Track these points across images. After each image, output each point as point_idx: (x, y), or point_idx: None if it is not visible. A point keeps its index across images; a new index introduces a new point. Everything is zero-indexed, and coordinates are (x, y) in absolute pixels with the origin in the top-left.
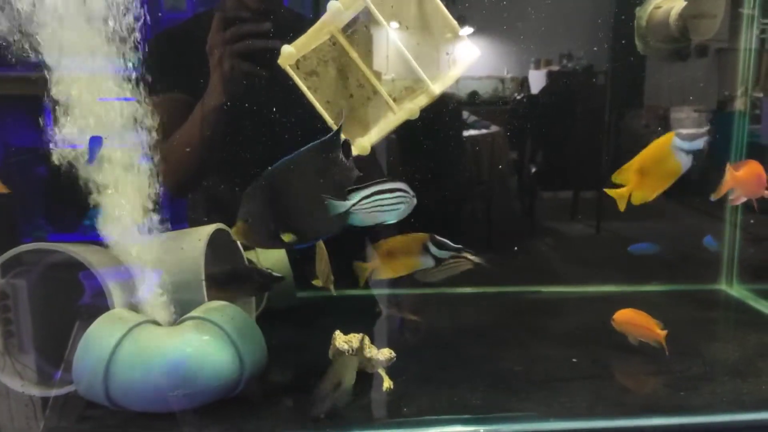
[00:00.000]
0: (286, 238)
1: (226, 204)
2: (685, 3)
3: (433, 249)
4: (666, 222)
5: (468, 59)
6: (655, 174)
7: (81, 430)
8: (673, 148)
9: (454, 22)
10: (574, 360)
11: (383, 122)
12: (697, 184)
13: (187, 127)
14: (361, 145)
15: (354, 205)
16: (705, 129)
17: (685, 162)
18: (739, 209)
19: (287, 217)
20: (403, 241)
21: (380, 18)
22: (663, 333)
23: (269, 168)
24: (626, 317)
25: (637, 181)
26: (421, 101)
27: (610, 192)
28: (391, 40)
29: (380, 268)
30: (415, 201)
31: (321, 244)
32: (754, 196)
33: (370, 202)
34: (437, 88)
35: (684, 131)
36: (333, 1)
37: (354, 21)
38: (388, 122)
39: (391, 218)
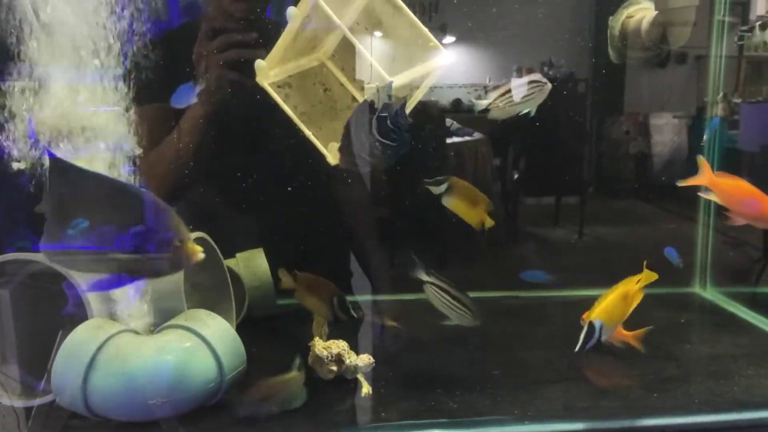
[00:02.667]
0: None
1: (209, 213)
2: (656, 12)
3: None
4: (645, 226)
5: (435, 60)
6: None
7: None
8: None
9: (429, 34)
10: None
11: None
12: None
13: (174, 135)
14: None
15: (491, 103)
16: None
17: None
18: (712, 213)
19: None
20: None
21: (340, 23)
22: (629, 333)
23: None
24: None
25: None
26: (382, 94)
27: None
28: (351, 39)
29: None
30: (549, 86)
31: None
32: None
33: (505, 99)
34: (396, 81)
35: None
36: (291, 7)
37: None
38: None
39: (529, 107)
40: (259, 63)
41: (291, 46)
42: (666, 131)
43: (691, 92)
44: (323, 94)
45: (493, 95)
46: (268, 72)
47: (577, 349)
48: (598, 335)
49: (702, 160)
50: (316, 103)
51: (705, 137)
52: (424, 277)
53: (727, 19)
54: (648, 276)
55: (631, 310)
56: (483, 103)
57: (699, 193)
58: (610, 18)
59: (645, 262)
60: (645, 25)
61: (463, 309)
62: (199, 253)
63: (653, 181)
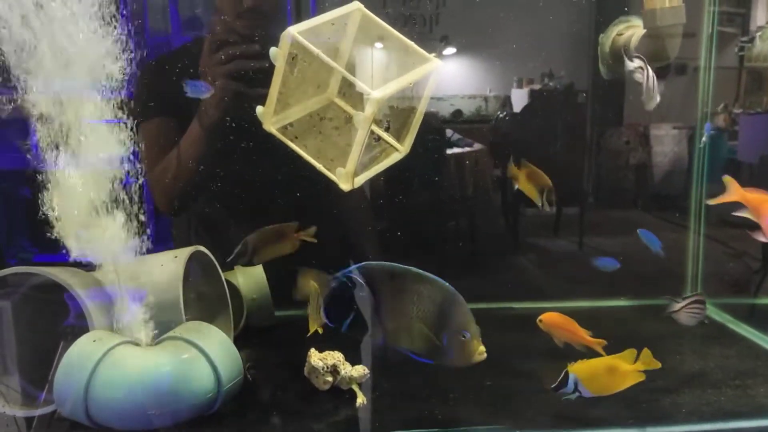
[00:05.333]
0: None
1: (212, 224)
2: (644, 30)
3: None
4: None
5: (422, 69)
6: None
7: None
8: None
9: (420, 51)
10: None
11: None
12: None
13: (180, 146)
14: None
15: None
16: None
17: None
18: (702, 223)
19: None
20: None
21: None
22: (593, 340)
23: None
24: (552, 320)
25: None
26: (367, 110)
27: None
28: (328, 62)
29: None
30: None
31: (315, 288)
32: None
33: None
34: (377, 93)
35: None
36: (272, 48)
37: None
38: (357, 143)
39: None
40: (259, 110)
41: (294, 90)
42: (666, 142)
43: (690, 103)
44: (334, 131)
45: None
46: (271, 117)
47: (551, 388)
48: (572, 389)
49: (728, 179)
50: (324, 136)
51: (704, 139)
52: None
53: (713, 32)
54: (648, 362)
55: (619, 388)
56: None
57: (733, 213)
58: (601, 35)
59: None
60: (634, 42)
61: None
62: (481, 353)
63: (653, 191)
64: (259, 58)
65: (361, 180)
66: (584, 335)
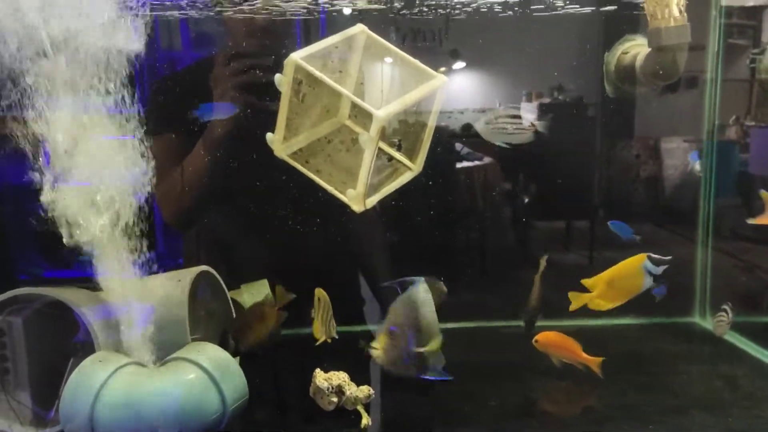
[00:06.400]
0: (434, 345)
1: (222, 239)
2: (649, 50)
3: (650, 267)
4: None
5: (428, 86)
6: (620, 288)
7: None
8: (643, 268)
9: (425, 68)
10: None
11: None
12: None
13: (191, 159)
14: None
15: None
16: (668, 258)
17: (647, 283)
18: (710, 238)
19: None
20: (622, 267)
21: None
22: (590, 358)
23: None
24: (549, 339)
25: (603, 291)
26: (372, 129)
27: (573, 296)
28: (333, 85)
29: (600, 300)
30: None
31: (322, 292)
32: None
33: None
34: (382, 112)
35: (654, 256)
36: (277, 75)
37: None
38: (365, 163)
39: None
40: (269, 136)
41: (303, 115)
42: (677, 155)
43: (701, 116)
44: (346, 154)
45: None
46: (281, 144)
47: None
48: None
49: (766, 195)
50: (334, 158)
51: (697, 167)
52: None
53: (718, 48)
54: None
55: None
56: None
57: (749, 221)
58: (606, 54)
59: None
60: (639, 61)
61: None
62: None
63: (664, 204)
64: (269, 72)
65: (373, 201)
66: (581, 353)
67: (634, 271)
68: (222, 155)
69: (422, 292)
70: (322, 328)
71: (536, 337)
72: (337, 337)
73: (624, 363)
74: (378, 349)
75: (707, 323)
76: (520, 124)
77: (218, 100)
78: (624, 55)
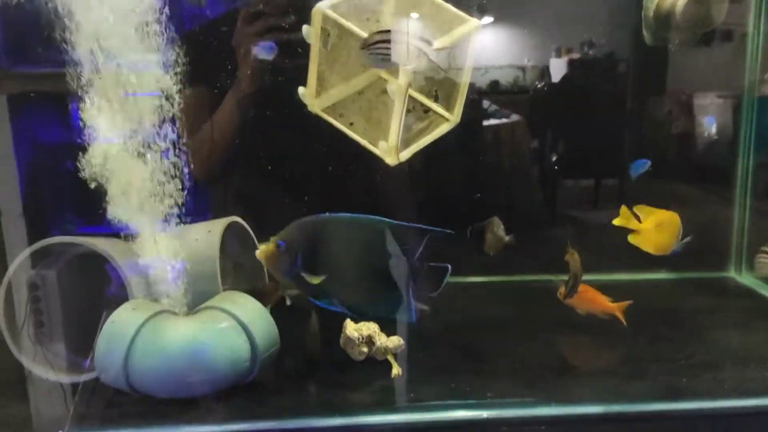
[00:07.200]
0: (314, 280)
1: (249, 196)
2: None
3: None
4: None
5: (460, 30)
6: (659, 237)
7: (107, 415)
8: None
9: (461, 13)
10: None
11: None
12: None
13: (216, 117)
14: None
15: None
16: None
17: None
18: (749, 195)
19: (325, 271)
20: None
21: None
22: (614, 306)
23: (330, 215)
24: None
25: (650, 229)
26: (401, 78)
27: (624, 213)
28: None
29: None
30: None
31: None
32: None
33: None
34: (436, 44)
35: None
36: (305, 26)
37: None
38: (396, 114)
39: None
40: (301, 90)
41: (335, 70)
42: (710, 111)
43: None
44: (382, 106)
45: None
46: (314, 98)
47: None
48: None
49: None
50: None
51: (713, 131)
52: None
53: None
54: None
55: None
56: None
57: None
58: (645, 0)
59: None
60: (680, 6)
61: None
62: None
63: (696, 162)
64: (293, 30)
65: (407, 154)
66: (606, 302)
67: (674, 229)
68: (248, 112)
69: (338, 230)
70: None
71: (561, 288)
72: None
73: (657, 317)
74: (261, 249)
75: (743, 278)
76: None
77: (242, 59)
78: (664, 2)
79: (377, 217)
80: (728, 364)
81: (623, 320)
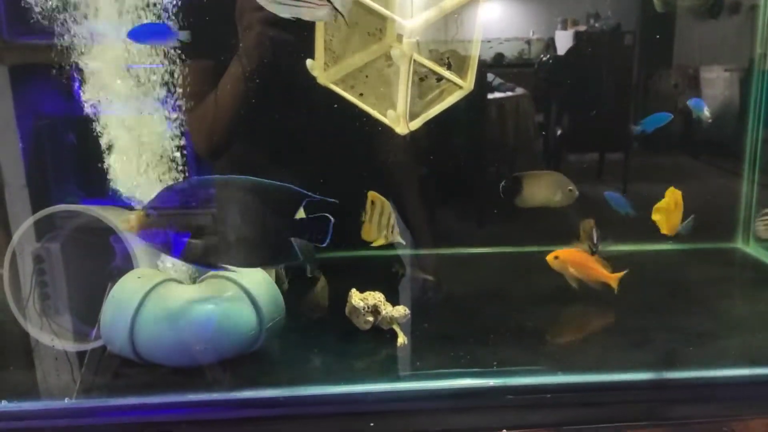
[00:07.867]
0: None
1: (252, 169)
2: None
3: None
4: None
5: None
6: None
7: (113, 385)
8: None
9: None
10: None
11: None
12: (719, 143)
13: (218, 90)
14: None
15: None
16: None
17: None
18: (757, 168)
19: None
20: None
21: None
22: (610, 275)
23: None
24: (569, 256)
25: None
26: (404, 43)
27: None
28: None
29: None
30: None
31: (376, 195)
32: None
33: None
34: (410, 22)
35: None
36: None
37: None
38: (402, 80)
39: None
40: (309, 63)
41: (343, 41)
42: (717, 85)
43: (744, 44)
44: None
45: None
46: (322, 70)
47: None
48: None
49: None
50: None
51: (706, 114)
52: None
53: None
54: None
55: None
56: None
57: None
58: None
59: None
60: None
61: None
62: None
63: (703, 136)
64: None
65: (418, 122)
66: (601, 270)
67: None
68: (250, 86)
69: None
70: (376, 229)
71: (555, 253)
72: (402, 242)
73: (665, 287)
74: (128, 218)
75: (751, 249)
76: None
77: (245, 33)
78: None
79: (248, 177)
80: (735, 333)
81: (616, 289)
